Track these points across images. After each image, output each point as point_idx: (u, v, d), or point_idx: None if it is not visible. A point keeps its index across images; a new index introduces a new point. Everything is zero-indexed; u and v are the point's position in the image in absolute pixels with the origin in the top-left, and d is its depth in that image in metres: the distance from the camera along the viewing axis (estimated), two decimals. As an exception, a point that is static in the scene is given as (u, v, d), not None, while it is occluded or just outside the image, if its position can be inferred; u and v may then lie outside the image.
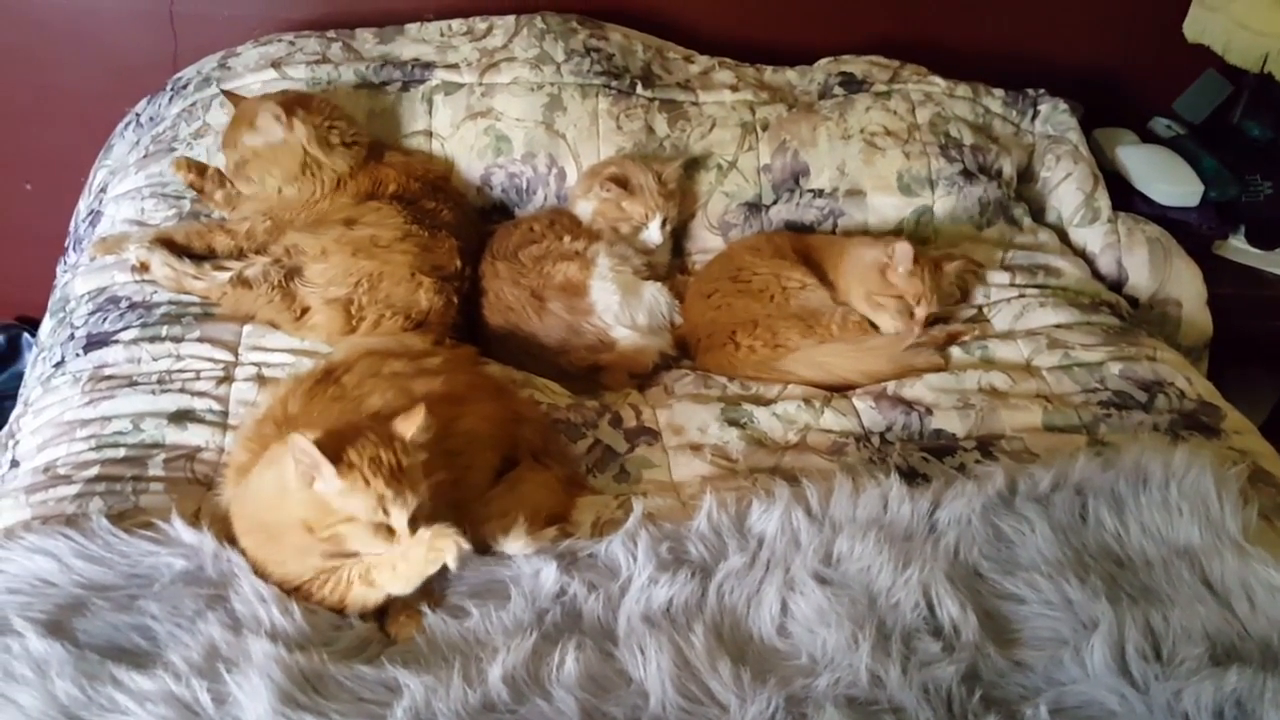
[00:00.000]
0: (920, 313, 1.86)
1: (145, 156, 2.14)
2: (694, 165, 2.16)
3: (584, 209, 2.03)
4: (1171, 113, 2.55)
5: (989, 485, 1.45)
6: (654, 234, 2.02)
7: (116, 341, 1.73)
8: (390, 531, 1.21)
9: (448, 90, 2.15)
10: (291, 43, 2.22)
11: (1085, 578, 1.32)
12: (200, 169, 2.01)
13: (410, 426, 1.25)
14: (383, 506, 1.19)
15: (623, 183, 1.99)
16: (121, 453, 1.53)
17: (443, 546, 1.23)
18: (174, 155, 2.06)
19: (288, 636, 1.21)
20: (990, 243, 2.14)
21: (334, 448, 1.19)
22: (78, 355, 1.73)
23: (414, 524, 1.21)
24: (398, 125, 2.13)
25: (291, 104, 1.91)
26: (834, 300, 1.92)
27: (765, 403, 1.74)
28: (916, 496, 1.43)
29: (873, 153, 2.17)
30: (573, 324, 1.87)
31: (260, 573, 1.29)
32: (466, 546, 1.24)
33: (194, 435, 1.57)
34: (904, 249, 1.86)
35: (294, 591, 1.29)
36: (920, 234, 2.14)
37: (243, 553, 1.30)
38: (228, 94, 2.01)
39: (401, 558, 1.25)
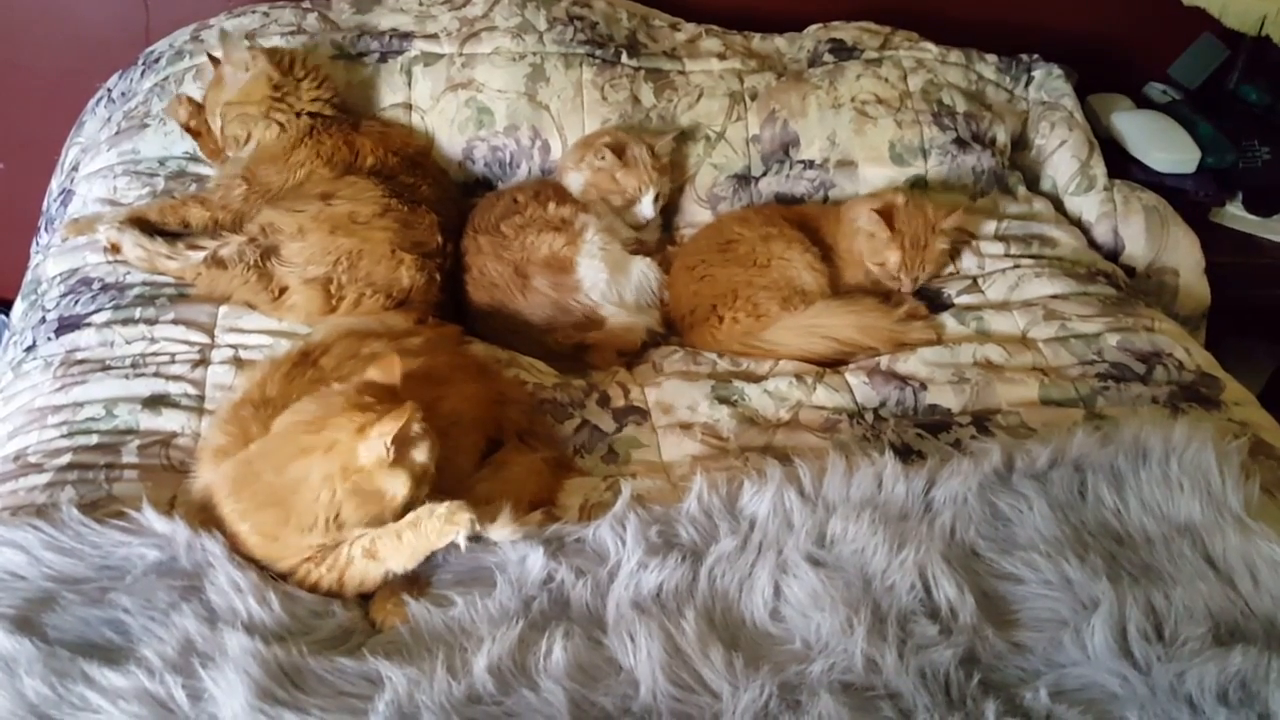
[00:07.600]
0: (905, 280, 1.84)
1: (117, 133, 2.08)
2: (681, 137, 2.10)
3: (575, 180, 1.97)
4: (1167, 78, 2.52)
5: (985, 462, 1.42)
6: (647, 208, 1.97)
7: (89, 324, 1.69)
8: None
9: (427, 61, 2.09)
10: (266, 14, 2.16)
11: (1085, 556, 1.29)
12: (199, 108, 1.96)
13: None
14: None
15: (619, 151, 1.94)
16: (94, 439, 1.49)
17: (459, 521, 1.22)
18: (168, 100, 2.03)
19: (265, 628, 1.18)
20: (984, 212, 2.10)
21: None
22: (49, 339, 1.69)
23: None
24: (376, 97, 2.07)
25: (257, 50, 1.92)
26: (835, 267, 1.89)
27: (756, 379, 1.70)
28: (911, 475, 1.40)
29: (864, 122, 2.12)
30: (559, 301, 1.82)
31: (251, 553, 1.25)
32: (479, 529, 1.23)
33: (169, 420, 1.53)
34: (868, 217, 1.84)
35: (288, 575, 1.25)
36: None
37: (231, 537, 1.26)
38: (212, 58, 1.96)
39: (410, 528, 1.23)
